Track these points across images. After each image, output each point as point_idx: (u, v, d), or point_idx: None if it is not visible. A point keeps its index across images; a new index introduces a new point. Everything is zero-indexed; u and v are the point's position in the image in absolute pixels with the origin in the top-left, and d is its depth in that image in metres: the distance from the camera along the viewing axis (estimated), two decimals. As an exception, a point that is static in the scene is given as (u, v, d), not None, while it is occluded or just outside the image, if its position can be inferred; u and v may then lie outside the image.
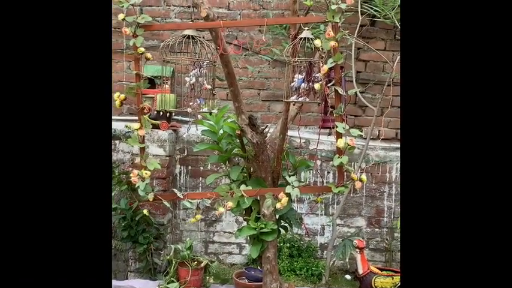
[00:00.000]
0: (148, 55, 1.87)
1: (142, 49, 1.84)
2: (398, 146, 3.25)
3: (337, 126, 1.77)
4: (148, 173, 1.95)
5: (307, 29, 1.87)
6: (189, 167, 3.48)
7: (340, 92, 1.77)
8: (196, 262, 2.72)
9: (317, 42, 1.75)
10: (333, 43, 1.72)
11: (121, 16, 1.82)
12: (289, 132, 2.43)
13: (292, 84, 1.91)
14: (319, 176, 3.45)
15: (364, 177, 1.84)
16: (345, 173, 1.89)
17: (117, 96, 1.91)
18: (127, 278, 3.14)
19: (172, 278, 2.66)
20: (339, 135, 1.79)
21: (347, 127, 1.77)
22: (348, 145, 1.75)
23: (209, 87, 1.90)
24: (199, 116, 2.04)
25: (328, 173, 3.47)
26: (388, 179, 3.43)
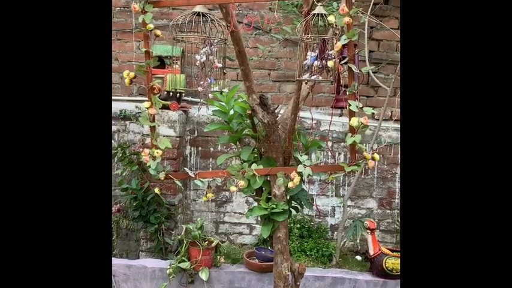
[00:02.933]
0: (158, 32, 1.83)
1: (151, 26, 1.80)
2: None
3: (350, 105, 1.74)
4: (160, 151, 1.94)
5: (321, 5, 1.81)
6: (199, 148, 3.47)
7: (354, 70, 1.73)
8: (207, 242, 2.74)
9: (331, 18, 1.70)
10: (347, 19, 1.67)
11: (130, -8, 1.78)
12: (301, 113, 2.40)
13: (304, 62, 1.86)
14: (330, 157, 3.43)
15: (376, 156, 1.81)
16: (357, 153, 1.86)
17: (126, 74, 1.89)
18: (138, 258, 3.18)
19: (183, 258, 2.69)
20: (352, 114, 1.75)
21: (360, 105, 1.73)
22: (362, 123, 1.71)
23: (220, 65, 1.87)
24: (210, 95, 2.01)
25: (339, 154, 3.44)
26: (400, 161, 3.39)
